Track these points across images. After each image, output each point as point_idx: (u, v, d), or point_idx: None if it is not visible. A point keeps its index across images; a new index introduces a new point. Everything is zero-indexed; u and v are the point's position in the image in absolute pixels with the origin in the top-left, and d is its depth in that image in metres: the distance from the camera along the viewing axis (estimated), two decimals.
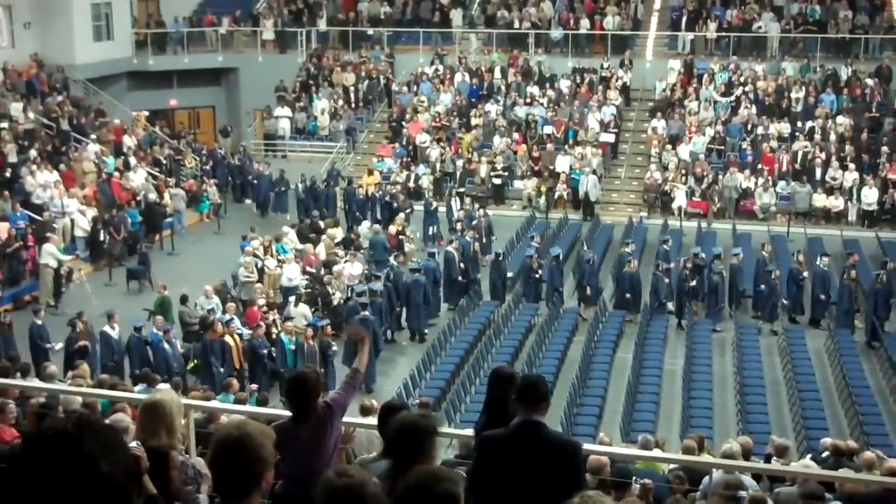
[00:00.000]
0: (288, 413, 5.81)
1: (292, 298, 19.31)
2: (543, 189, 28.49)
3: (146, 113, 31.90)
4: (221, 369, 16.46)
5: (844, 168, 27.41)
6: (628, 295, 21.29)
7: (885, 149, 27.56)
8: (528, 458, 4.85)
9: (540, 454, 4.86)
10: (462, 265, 22.08)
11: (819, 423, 15.54)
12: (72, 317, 17.51)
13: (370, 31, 35.46)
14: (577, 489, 4.73)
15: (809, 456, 11.29)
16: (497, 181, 28.85)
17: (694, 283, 21.08)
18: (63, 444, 2.03)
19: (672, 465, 9.25)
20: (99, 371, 15.40)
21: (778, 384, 18.18)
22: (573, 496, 3.26)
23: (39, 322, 17.52)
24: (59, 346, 17.16)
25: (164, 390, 6.51)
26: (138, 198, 25.36)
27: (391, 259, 22.06)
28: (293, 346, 17.30)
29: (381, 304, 19.40)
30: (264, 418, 7.61)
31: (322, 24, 35.62)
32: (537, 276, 21.70)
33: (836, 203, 26.92)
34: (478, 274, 22.78)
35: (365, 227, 24.95)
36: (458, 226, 24.75)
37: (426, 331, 20.41)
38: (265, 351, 17.27)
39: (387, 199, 26.87)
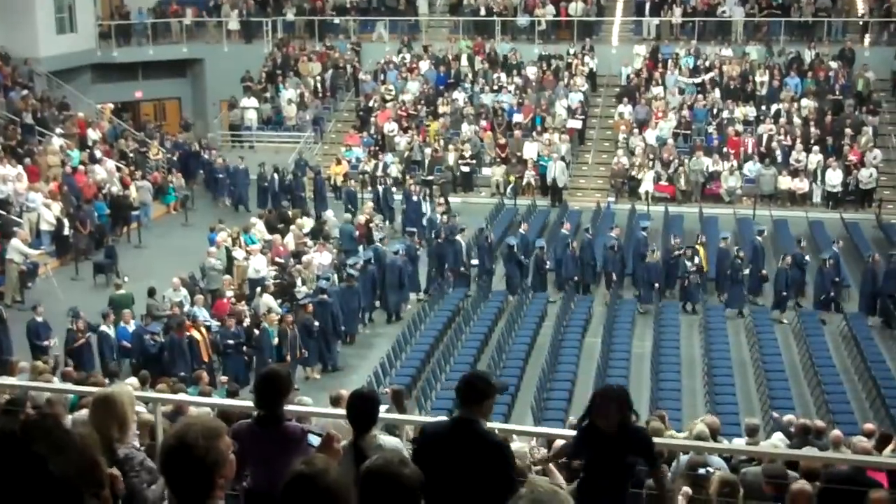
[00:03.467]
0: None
1: (258, 290, 19.26)
2: (512, 179, 28.55)
3: (111, 105, 31.63)
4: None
5: (809, 150, 27.67)
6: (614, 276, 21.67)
7: (848, 131, 27.84)
8: (458, 454, 4.95)
9: (470, 452, 4.96)
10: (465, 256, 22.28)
11: (786, 403, 15.71)
12: (71, 313, 17.34)
13: (336, 21, 35.36)
14: (506, 488, 4.84)
15: (777, 436, 11.42)
16: (465, 169, 28.89)
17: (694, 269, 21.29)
18: (11, 445, 2.04)
19: None
20: (100, 371, 15.34)
21: (745, 364, 18.38)
22: (503, 495, 3.30)
23: (40, 319, 17.32)
24: (55, 341, 17.06)
25: (118, 384, 6.46)
26: (104, 191, 25.17)
27: (377, 242, 22.38)
28: (276, 338, 17.43)
29: (358, 287, 19.76)
30: (238, 411, 7.64)
31: (289, 14, 35.47)
32: (546, 265, 21.89)
33: (800, 185, 27.18)
34: (493, 264, 22.85)
35: (331, 216, 24.92)
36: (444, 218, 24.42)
37: (402, 313, 20.78)
38: (238, 342, 17.31)
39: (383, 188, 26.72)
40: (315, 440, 5.01)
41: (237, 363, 17.23)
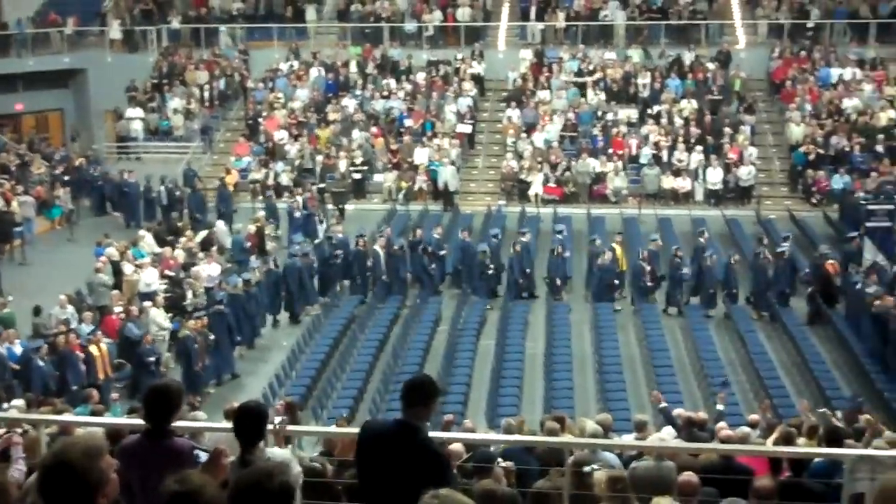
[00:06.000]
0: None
1: (147, 304, 18.96)
2: (404, 184, 28.68)
3: None
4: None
5: (690, 150, 28.52)
6: (559, 281, 21.87)
7: (727, 130, 28.80)
8: (397, 456, 5.02)
9: (407, 455, 5.03)
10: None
11: (675, 397, 16.17)
12: None
13: (223, 28, 34.99)
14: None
15: (667, 429, 11.75)
16: (357, 175, 28.91)
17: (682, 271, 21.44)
18: None
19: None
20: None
21: (635, 360, 18.86)
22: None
23: None
24: None
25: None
26: None
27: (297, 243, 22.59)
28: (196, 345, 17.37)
29: (256, 292, 19.96)
30: (127, 429, 7.55)
31: (175, 22, 34.95)
32: (491, 270, 21.96)
33: (683, 184, 28.00)
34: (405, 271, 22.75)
35: (222, 226, 24.67)
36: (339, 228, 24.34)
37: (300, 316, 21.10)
38: (153, 358, 17.22)
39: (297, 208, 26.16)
40: (203, 456, 5.01)
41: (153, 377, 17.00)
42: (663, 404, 14.10)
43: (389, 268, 22.10)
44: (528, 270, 22.27)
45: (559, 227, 23.67)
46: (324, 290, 22.08)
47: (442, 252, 22.66)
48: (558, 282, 21.90)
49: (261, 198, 28.02)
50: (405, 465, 4.98)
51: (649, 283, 21.32)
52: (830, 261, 20.87)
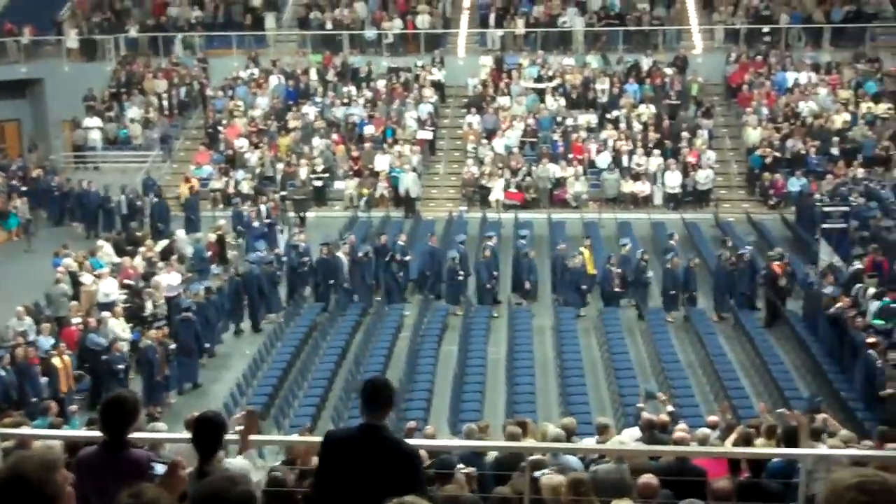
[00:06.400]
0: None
1: (106, 314, 18.80)
2: (365, 191, 28.66)
3: None
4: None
5: (649, 154, 28.79)
6: (527, 285, 21.99)
7: (685, 134, 29.11)
8: (367, 461, 5.00)
9: (379, 458, 5.01)
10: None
11: (634, 400, 16.28)
12: None
13: (181, 37, 34.80)
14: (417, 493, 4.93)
15: (629, 432, 11.84)
16: (318, 183, 28.86)
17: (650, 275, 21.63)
18: None
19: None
20: None
21: (596, 364, 18.99)
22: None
23: None
24: None
25: None
26: None
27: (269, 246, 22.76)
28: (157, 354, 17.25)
29: (216, 299, 19.96)
30: (84, 441, 7.50)
31: (132, 31, 34.71)
32: (461, 276, 21.95)
33: (642, 188, 28.24)
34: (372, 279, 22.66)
35: (182, 235, 24.53)
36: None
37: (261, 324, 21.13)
38: (122, 366, 17.12)
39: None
40: (160, 468, 5.00)
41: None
42: (640, 404, 14.23)
43: (354, 275, 22.08)
44: (496, 274, 22.36)
45: (523, 232, 23.78)
46: (291, 298, 22.02)
47: (407, 258, 22.67)
48: (528, 286, 21.98)
49: (221, 206, 27.90)
50: (379, 468, 4.97)
51: (617, 289, 21.46)
52: (777, 262, 21.11)
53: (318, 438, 5.70)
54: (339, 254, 22.17)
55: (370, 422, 5.16)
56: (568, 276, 21.70)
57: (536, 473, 7.27)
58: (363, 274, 22.17)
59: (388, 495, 4.77)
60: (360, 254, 22.20)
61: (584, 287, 21.61)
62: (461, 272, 22.01)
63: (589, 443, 11.03)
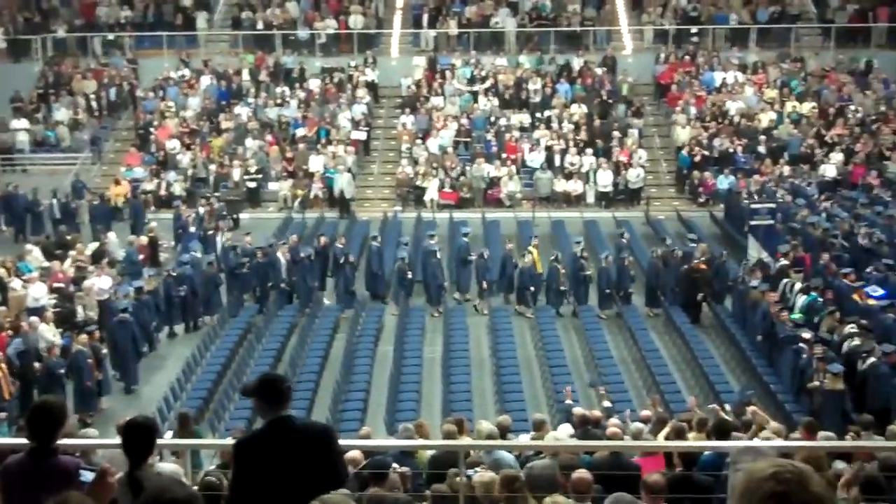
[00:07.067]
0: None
1: (34, 319, 18.45)
2: (300, 192, 28.51)
3: None
4: None
5: (581, 153, 29.08)
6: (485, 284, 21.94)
7: (616, 133, 29.47)
8: (283, 453, 4.99)
9: (294, 446, 5.01)
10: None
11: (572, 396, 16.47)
12: None
13: (111, 37, 34.28)
14: (335, 473, 4.94)
15: (564, 428, 11.97)
16: (251, 184, 28.65)
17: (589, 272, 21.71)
18: None
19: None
20: None
21: (531, 361, 19.13)
22: (332, 483, 3.43)
23: None
24: None
25: None
26: None
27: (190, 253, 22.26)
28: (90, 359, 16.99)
29: (149, 301, 19.82)
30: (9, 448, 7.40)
31: (60, 31, 34.11)
32: (409, 276, 21.92)
33: (575, 187, 28.53)
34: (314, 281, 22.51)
35: (114, 238, 24.18)
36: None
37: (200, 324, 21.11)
38: (62, 370, 16.82)
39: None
40: (89, 475, 4.94)
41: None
42: (568, 401, 14.40)
43: (293, 276, 21.98)
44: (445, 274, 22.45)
45: (465, 230, 23.81)
46: (229, 300, 21.84)
47: (351, 259, 22.57)
48: (484, 284, 22.09)
49: (153, 208, 27.56)
50: (296, 455, 4.98)
51: (563, 287, 21.63)
52: (697, 259, 21.41)
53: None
54: (279, 254, 22.03)
55: (275, 415, 5.16)
56: (520, 276, 21.85)
57: (469, 472, 7.30)
58: (304, 275, 22.04)
59: (311, 479, 4.79)
60: (302, 255, 22.09)
61: (531, 287, 21.76)
62: (410, 273, 22.04)
63: (524, 439, 11.13)
